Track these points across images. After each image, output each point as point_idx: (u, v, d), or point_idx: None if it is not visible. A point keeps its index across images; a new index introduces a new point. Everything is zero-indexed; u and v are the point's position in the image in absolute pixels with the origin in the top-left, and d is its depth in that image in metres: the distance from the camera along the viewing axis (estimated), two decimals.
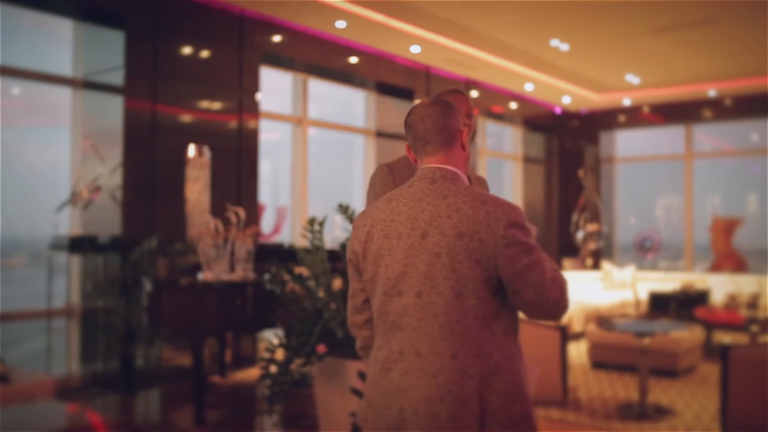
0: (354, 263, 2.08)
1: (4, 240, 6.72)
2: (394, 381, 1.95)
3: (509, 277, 1.89)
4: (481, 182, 2.81)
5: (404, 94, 9.13)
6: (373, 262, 2.01)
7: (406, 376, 1.93)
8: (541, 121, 12.14)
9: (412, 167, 2.53)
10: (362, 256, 2.04)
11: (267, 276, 4.85)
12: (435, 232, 1.92)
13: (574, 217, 11.98)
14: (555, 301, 1.90)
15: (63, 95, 6.64)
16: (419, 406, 1.90)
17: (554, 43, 8.42)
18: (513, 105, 11.22)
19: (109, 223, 6.25)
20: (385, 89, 9.17)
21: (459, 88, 8.64)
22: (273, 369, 4.49)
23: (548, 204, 12.38)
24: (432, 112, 2.03)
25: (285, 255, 6.06)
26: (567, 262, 11.48)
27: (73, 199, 6.29)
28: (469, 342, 1.89)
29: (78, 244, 6.14)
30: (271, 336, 4.90)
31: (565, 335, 5.75)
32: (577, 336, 8.51)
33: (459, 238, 1.89)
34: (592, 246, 11.75)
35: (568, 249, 12.02)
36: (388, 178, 2.69)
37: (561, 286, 1.93)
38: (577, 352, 7.87)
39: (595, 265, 11.54)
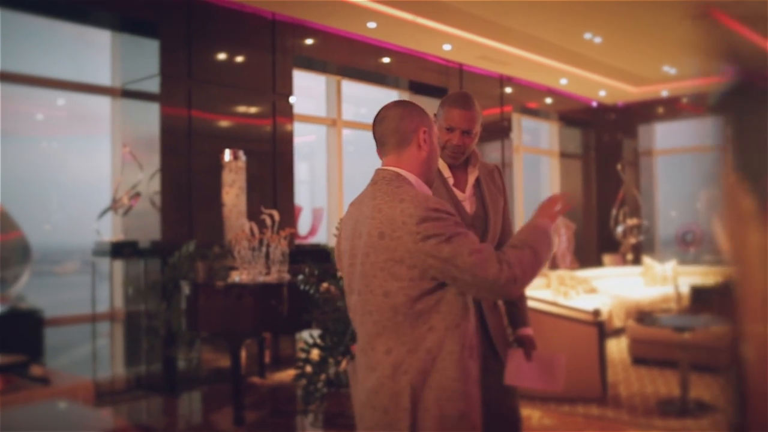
0: (338, 266, 2.22)
1: (55, 247, 6.92)
2: (355, 375, 2.09)
3: (439, 269, 1.91)
4: (493, 173, 2.75)
5: (438, 92, 9.13)
6: (342, 263, 2.15)
7: (359, 371, 2.06)
8: (577, 116, 12.02)
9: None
10: (338, 259, 2.18)
11: (300, 277, 4.90)
12: (364, 232, 1.99)
13: (614, 211, 11.84)
14: (494, 279, 1.87)
15: (102, 104, 6.80)
16: (365, 398, 2.01)
17: (587, 36, 8.34)
18: (548, 100, 11.13)
19: (149, 228, 6.38)
20: (418, 88, 9.19)
21: (486, 92, 8.53)
22: (308, 369, 4.55)
23: (587, 199, 12.24)
24: (389, 114, 2.09)
25: (321, 255, 6.12)
26: (607, 258, 11.35)
27: (114, 205, 6.44)
28: (402, 338, 1.94)
29: (119, 250, 6.29)
30: (309, 337, 4.95)
31: (603, 331, 5.70)
32: (618, 332, 8.41)
33: (380, 238, 1.94)
34: (632, 240, 11.60)
35: (608, 244, 11.87)
36: None
37: (501, 262, 1.89)
38: (618, 347, 7.78)
39: (636, 260, 11.38)
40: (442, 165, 2.62)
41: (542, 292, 8.07)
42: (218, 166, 6.59)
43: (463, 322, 1.99)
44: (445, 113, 2.58)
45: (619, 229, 11.68)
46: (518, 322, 2.72)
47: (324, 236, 8.15)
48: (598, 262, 11.47)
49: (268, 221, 5.24)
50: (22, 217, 5.69)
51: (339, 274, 2.26)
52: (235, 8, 6.87)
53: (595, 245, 12.04)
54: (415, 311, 1.93)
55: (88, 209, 6.50)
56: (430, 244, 1.88)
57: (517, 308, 2.74)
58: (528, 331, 2.70)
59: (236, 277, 5.24)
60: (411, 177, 2.04)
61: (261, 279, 5.14)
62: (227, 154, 6.56)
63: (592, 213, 12.25)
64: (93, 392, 3.10)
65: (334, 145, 8.49)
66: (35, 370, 3.13)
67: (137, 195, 6.42)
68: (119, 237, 6.58)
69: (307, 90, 8.41)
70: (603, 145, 12.37)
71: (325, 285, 4.79)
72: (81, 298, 6.31)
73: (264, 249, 5.24)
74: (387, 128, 2.07)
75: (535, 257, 1.95)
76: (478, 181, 2.67)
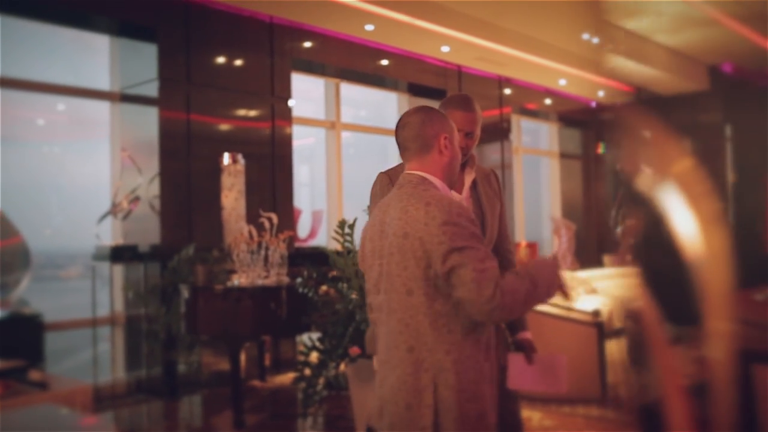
0: (361, 267, 2.27)
1: (56, 252, 6.94)
2: (378, 372, 2.14)
3: (444, 274, 1.97)
4: (489, 177, 2.76)
5: (437, 94, 9.13)
6: (367, 264, 2.21)
7: (382, 368, 2.11)
8: (576, 116, 12.03)
9: None
10: (362, 260, 2.24)
11: (299, 280, 4.91)
12: (390, 233, 2.07)
13: (613, 212, 11.83)
14: (485, 301, 1.92)
15: (102, 109, 6.81)
16: (387, 395, 2.06)
17: (585, 36, 8.35)
18: (547, 101, 11.14)
19: (148, 232, 6.39)
20: (417, 90, 9.19)
21: (477, 92, 8.58)
22: (307, 372, 4.55)
23: (586, 199, 12.25)
24: (411, 121, 2.17)
25: (321, 258, 6.13)
26: (607, 258, 11.34)
27: (114, 210, 6.45)
28: (424, 337, 2.01)
29: (119, 254, 6.30)
30: (308, 340, 4.96)
31: (603, 332, 5.70)
32: (618, 332, 8.40)
33: (404, 238, 2.02)
34: (631, 240, 11.57)
35: (607, 244, 11.87)
36: (388, 187, 2.65)
37: (497, 287, 1.93)
38: (618, 348, 7.77)
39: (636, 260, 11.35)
40: None
41: None
42: (217, 169, 6.60)
43: (480, 326, 2.05)
44: (446, 115, 2.59)
45: (619, 230, 11.67)
46: (517, 327, 2.72)
47: (324, 239, 8.16)
48: (598, 263, 11.47)
49: (267, 224, 5.25)
50: (22, 222, 5.71)
51: (362, 274, 2.42)
52: (233, 12, 6.88)
53: (595, 245, 12.04)
54: (434, 311, 2.00)
55: (88, 214, 6.51)
56: (443, 248, 1.96)
57: None
58: (527, 335, 2.70)
59: (235, 280, 5.25)
60: (436, 181, 2.13)
61: (260, 282, 5.15)
62: (226, 158, 6.57)
63: (592, 213, 12.25)
64: (91, 397, 3.11)
65: (333, 147, 8.50)
66: (34, 374, 3.14)
67: (137, 199, 6.43)
68: (119, 241, 6.58)
69: (306, 93, 8.42)
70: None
71: (323, 288, 4.80)
72: (82, 302, 6.32)
73: (263, 252, 5.25)
74: (409, 134, 2.16)
75: (533, 290, 2.00)
76: (474, 183, 2.68)
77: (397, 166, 2.77)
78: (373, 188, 2.76)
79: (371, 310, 2.25)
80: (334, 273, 4.73)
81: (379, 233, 2.12)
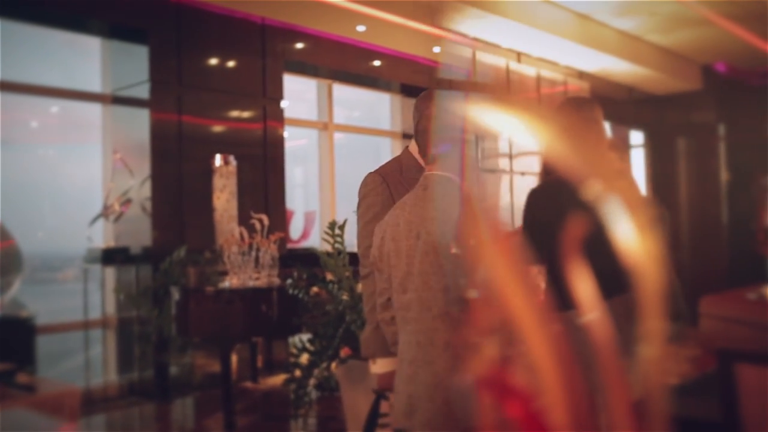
0: (377, 266, 2.29)
1: (50, 254, 6.92)
2: (404, 370, 2.14)
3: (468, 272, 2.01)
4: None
5: None
6: (387, 263, 2.22)
7: (411, 365, 2.12)
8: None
9: (404, 172, 2.55)
10: (379, 259, 2.25)
11: (289, 281, 4.90)
12: (424, 232, 2.10)
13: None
14: None
15: (93, 111, 6.79)
16: (422, 392, 2.08)
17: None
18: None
19: (140, 234, 6.37)
20: (409, 91, 9.18)
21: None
22: (297, 373, 4.55)
23: None
24: (429, 129, 2.21)
25: (313, 259, 6.12)
26: None
27: (105, 212, 6.43)
28: (460, 332, 2.03)
29: (111, 256, 6.28)
30: (299, 341, 4.95)
31: None
32: None
33: (442, 237, 2.06)
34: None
35: None
36: (381, 186, 2.62)
37: None
38: None
39: None
40: None
41: None
42: (209, 171, 6.58)
43: None
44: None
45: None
46: None
47: (317, 240, 8.15)
48: None
49: (258, 226, 5.23)
50: (15, 225, 5.67)
51: (363, 271, 2.51)
52: (225, 14, 6.87)
53: None
54: None
55: (81, 216, 6.48)
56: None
57: None
58: None
59: (227, 282, 5.24)
60: (458, 182, 2.19)
61: (251, 284, 5.13)
62: (218, 159, 6.56)
63: None
64: (79, 400, 3.10)
65: (325, 148, 8.49)
66: (21, 377, 3.13)
67: (128, 201, 6.41)
68: (110, 243, 6.56)
69: (298, 94, 8.41)
70: None
71: (315, 289, 4.79)
72: (75, 305, 6.30)
73: (254, 253, 5.23)
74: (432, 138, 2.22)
75: None
76: None
77: (385, 165, 2.76)
78: (363, 189, 2.71)
79: (386, 308, 2.27)
80: (326, 274, 4.72)
81: (406, 233, 2.14)
